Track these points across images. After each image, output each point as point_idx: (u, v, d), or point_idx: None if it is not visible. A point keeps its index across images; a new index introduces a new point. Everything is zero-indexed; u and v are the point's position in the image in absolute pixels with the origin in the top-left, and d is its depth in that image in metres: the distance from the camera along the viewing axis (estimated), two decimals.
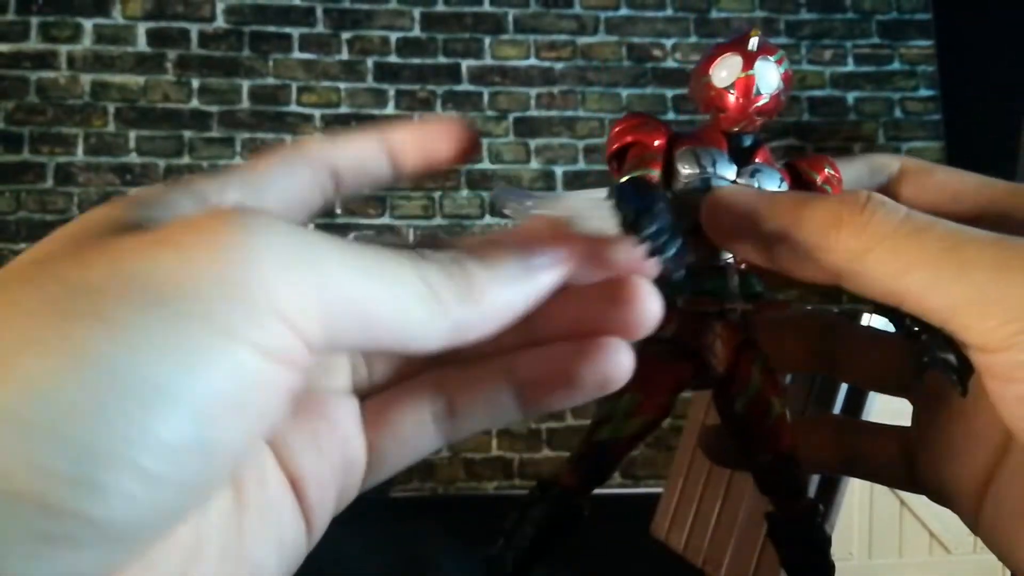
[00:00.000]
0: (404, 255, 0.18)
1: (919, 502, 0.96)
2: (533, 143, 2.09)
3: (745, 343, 0.25)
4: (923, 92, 2.19)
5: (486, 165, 2.08)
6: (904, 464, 0.27)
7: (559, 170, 2.09)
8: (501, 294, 0.18)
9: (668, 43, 2.14)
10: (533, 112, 2.10)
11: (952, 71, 2.19)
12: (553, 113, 2.10)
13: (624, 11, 2.14)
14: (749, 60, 0.23)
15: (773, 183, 0.24)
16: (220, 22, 2.04)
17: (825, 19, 2.19)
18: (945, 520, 1.32)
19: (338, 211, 2.03)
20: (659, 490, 1.22)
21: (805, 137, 2.15)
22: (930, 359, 0.22)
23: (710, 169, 0.24)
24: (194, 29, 2.03)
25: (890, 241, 0.20)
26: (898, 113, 2.19)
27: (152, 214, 0.17)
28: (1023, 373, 0.19)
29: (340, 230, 2.02)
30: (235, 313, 0.14)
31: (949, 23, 2.19)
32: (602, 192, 0.23)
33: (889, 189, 0.26)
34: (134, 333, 0.13)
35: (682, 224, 0.22)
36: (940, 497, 0.26)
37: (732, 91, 0.23)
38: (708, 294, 0.24)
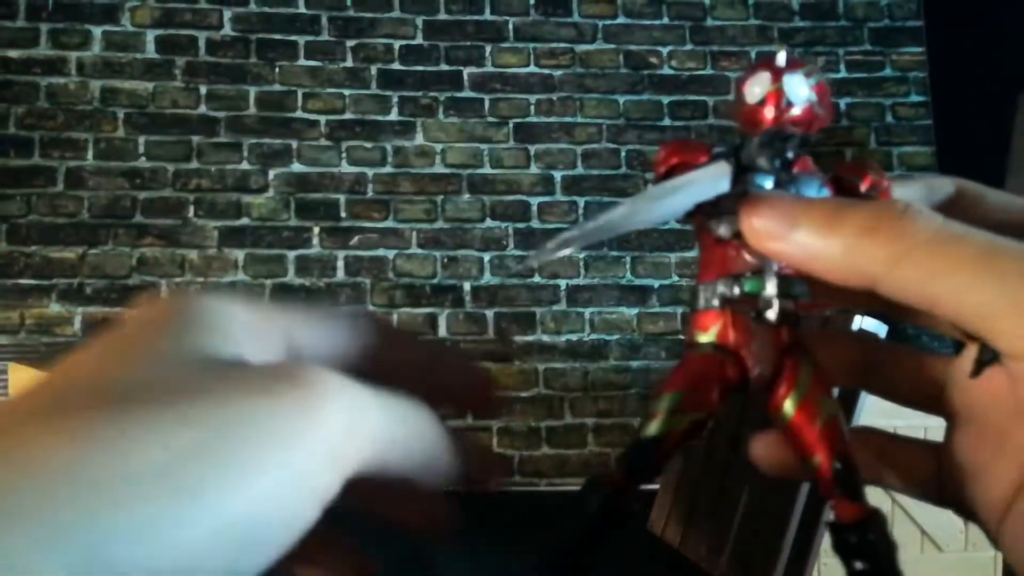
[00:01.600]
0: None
1: (911, 500, 0.98)
2: (533, 148, 2.11)
3: (793, 346, 0.25)
4: (914, 98, 2.22)
5: (487, 170, 2.10)
6: (937, 480, 0.26)
7: (558, 175, 2.11)
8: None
9: (664, 51, 2.17)
10: (533, 118, 2.12)
11: (943, 77, 2.21)
12: (552, 119, 2.12)
13: (621, 19, 2.16)
14: (777, 74, 0.23)
15: (812, 190, 0.24)
16: (227, 30, 2.06)
17: (818, 26, 2.21)
18: (937, 518, 1.32)
19: (342, 215, 2.05)
20: (655, 486, 1.24)
21: None
22: (989, 355, 0.23)
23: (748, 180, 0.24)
24: (202, 37, 2.05)
25: (926, 246, 0.20)
26: (889, 118, 2.21)
27: (227, 346, 0.19)
28: None
29: (344, 233, 2.04)
30: (299, 449, 0.18)
31: (940, 30, 2.21)
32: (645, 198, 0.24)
33: (945, 210, 0.25)
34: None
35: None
36: (966, 513, 0.25)
37: (764, 105, 0.24)
38: (746, 296, 0.24)
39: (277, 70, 2.06)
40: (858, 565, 0.23)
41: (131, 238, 1.99)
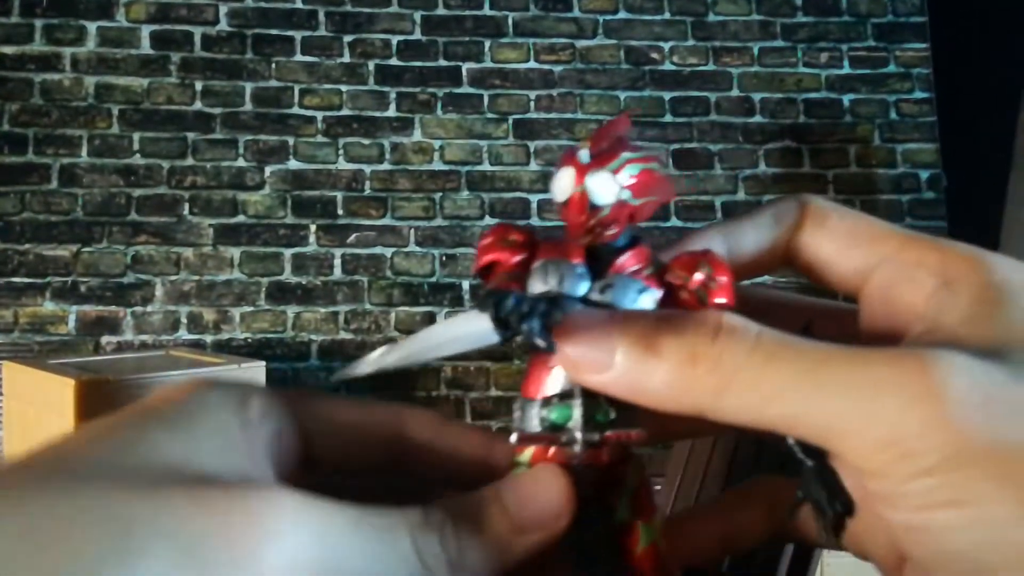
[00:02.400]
0: (403, 527, 0.19)
1: None
2: (532, 145, 2.09)
3: (617, 465, 0.23)
4: (918, 94, 2.20)
5: (486, 167, 2.08)
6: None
7: None
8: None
9: (666, 46, 2.15)
10: (532, 114, 2.10)
11: (947, 73, 2.19)
12: (552, 115, 2.11)
13: (622, 14, 2.14)
14: (580, 173, 0.22)
15: (629, 297, 0.22)
16: (223, 25, 2.04)
17: (821, 22, 2.19)
18: None
19: (339, 212, 2.04)
20: (657, 487, 1.23)
21: (801, 139, 2.16)
22: (803, 494, 0.21)
23: (557, 287, 0.22)
24: (197, 32, 2.03)
25: (744, 372, 0.19)
26: (893, 115, 2.19)
27: (195, 457, 0.18)
28: (904, 501, 0.18)
29: (341, 231, 2.02)
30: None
31: (944, 26, 2.20)
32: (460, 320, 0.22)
33: (792, 233, 0.24)
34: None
35: (543, 299, 0.21)
36: (864, 558, 0.25)
37: (568, 207, 0.22)
38: (551, 427, 0.22)
39: (273, 66, 2.04)
40: None
41: (125, 236, 1.97)
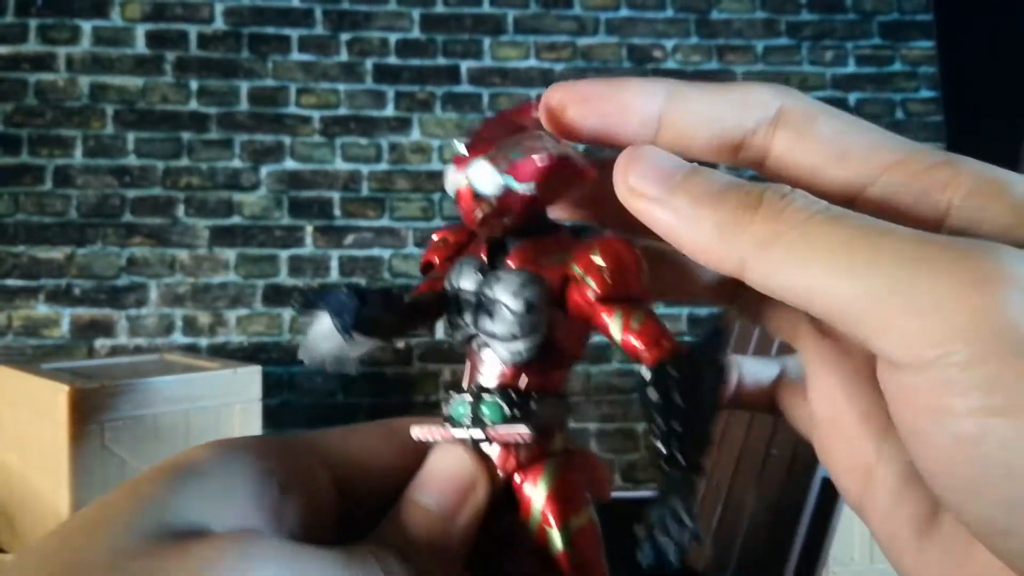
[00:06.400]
0: (371, 556, 0.20)
1: None
2: None
3: (530, 462, 0.23)
4: (924, 93, 2.18)
5: None
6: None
7: None
8: None
9: (668, 44, 2.13)
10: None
11: (953, 72, 2.18)
12: None
13: (624, 12, 2.13)
14: (460, 165, 0.22)
15: (508, 292, 0.22)
16: (219, 24, 2.03)
17: (826, 20, 2.18)
18: None
19: (336, 213, 2.02)
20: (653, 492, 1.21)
21: None
22: (650, 531, 0.20)
23: (456, 283, 0.23)
24: (193, 31, 2.02)
25: (802, 228, 0.18)
26: (899, 114, 2.18)
27: (193, 513, 0.19)
28: (953, 399, 0.15)
29: (338, 232, 2.01)
30: None
31: (950, 24, 2.18)
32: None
33: (761, 136, 0.22)
34: None
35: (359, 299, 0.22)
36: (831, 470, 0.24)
37: (457, 202, 0.23)
38: (448, 420, 0.23)
39: (270, 64, 2.03)
40: None
41: (120, 238, 1.96)
